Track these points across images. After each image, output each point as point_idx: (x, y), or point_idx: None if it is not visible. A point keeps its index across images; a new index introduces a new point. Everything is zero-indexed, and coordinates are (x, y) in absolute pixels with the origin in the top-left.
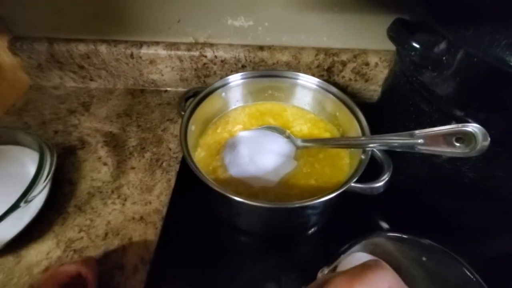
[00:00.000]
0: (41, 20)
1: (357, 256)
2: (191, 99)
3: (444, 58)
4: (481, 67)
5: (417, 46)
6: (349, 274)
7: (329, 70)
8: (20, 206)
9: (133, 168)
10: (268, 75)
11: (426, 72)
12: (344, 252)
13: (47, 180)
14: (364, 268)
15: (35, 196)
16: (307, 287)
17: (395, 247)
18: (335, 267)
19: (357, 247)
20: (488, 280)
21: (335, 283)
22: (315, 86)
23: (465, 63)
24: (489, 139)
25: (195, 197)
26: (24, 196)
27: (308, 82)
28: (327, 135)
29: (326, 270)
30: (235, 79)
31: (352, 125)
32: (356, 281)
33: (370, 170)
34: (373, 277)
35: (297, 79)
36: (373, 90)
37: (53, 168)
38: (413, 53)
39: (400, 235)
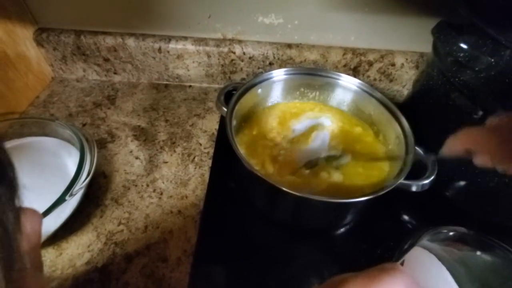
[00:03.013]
0: (69, 12)
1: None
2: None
3: (492, 59)
4: None
5: (465, 47)
6: (365, 276)
7: (355, 69)
8: (65, 200)
9: (165, 162)
10: (304, 72)
11: (472, 73)
12: (412, 245)
13: (91, 173)
14: (381, 271)
15: (80, 189)
16: (321, 286)
17: (451, 243)
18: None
19: (423, 241)
20: None
21: (350, 283)
22: (354, 87)
23: None
24: None
25: (231, 192)
26: (69, 190)
27: (345, 81)
28: (358, 129)
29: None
30: (278, 74)
31: (390, 125)
32: (372, 283)
33: None
34: (390, 280)
35: (333, 77)
36: (396, 90)
37: (95, 160)
38: (461, 54)
39: (460, 229)
